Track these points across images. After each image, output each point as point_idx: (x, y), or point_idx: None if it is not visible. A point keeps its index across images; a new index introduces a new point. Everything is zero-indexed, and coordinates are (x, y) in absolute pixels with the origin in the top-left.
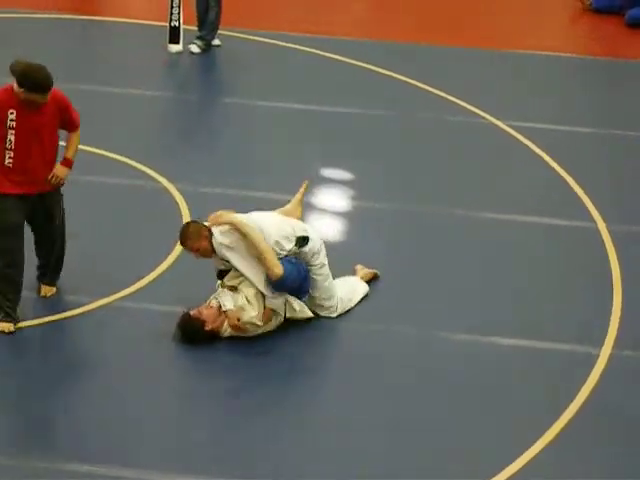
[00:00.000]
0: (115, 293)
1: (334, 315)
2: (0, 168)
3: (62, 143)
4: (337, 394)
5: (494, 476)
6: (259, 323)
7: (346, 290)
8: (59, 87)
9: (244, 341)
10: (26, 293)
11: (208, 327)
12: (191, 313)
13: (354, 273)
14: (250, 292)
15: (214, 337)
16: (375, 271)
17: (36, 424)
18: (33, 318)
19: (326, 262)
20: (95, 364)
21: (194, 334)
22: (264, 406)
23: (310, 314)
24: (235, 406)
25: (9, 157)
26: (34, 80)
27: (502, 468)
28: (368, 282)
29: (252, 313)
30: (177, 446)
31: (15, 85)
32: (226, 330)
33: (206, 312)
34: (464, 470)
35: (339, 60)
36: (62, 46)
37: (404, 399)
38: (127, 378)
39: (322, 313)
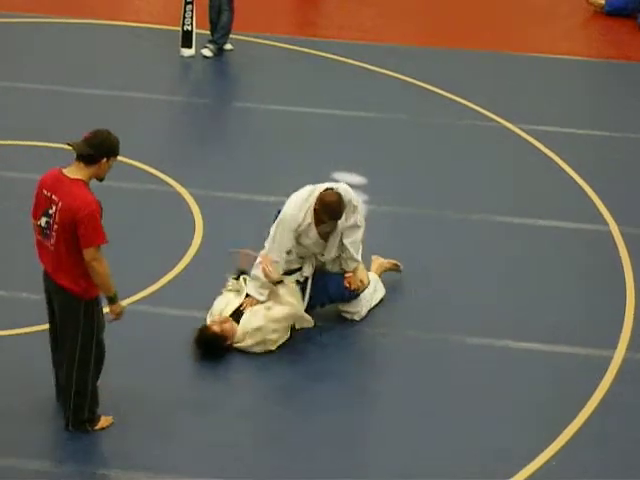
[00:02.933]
0: (128, 297)
1: (358, 318)
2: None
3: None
4: (352, 398)
5: (512, 476)
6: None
7: (368, 293)
8: (69, 90)
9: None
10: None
11: (229, 342)
12: (214, 329)
13: (370, 263)
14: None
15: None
16: (394, 261)
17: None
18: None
19: None
20: (109, 366)
21: (216, 350)
22: (284, 417)
23: (312, 322)
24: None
25: None
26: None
27: (519, 469)
28: (386, 272)
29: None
30: (197, 448)
31: (90, 170)
32: (241, 341)
33: (226, 326)
34: (481, 471)
35: (352, 64)
36: (75, 51)
37: (419, 401)
38: (142, 380)
39: (348, 316)
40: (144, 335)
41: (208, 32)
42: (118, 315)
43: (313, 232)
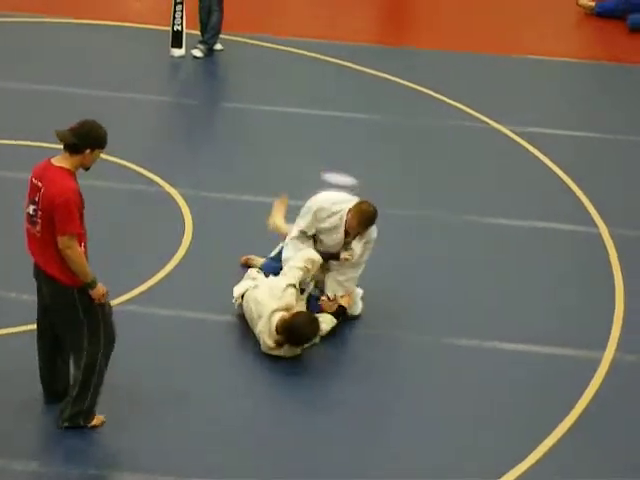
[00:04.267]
0: (118, 297)
1: (357, 313)
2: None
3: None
4: (352, 397)
5: (500, 477)
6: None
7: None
8: (60, 90)
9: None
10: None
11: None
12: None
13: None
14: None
15: None
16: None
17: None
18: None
19: None
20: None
21: (312, 336)
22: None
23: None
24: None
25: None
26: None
27: (508, 469)
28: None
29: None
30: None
31: (75, 159)
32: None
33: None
34: (469, 471)
35: (342, 65)
36: (65, 51)
37: (408, 402)
38: (133, 379)
39: (349, 311)
40: (134, 335)
41: (199, 32)
42: (100, 298)
43: (339, 235)
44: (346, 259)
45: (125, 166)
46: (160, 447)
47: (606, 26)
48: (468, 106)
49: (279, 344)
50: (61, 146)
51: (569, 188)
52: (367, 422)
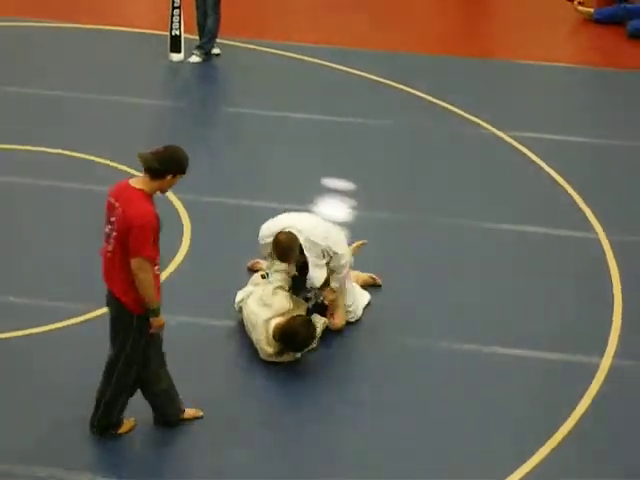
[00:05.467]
0: None
1: (354, 320)
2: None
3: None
4: (350, 401)
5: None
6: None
7: (357, 296)
8: (61, 95)
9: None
10: (25, 300)
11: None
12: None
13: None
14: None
15: None
16: (371, 275)
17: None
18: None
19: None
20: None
21: (310, 339)
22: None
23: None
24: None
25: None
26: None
27: (507, 474)
28: (366, 287)
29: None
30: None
31: (155, 183)
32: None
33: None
34: (467, 476)
35: (340, 70)
36: (63, 55)
37: (406, 407)
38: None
39: (347, 317)
40: None
41: (198, 37)
42: (157, 328)
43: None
44: (329, 298)
45: (123, 170)
46: (177, 452)
47: (605, 32)
48: (467, 112)
49: (279, 352)
50: (54, 150)
51: (567, 193)
52: (366, 425)
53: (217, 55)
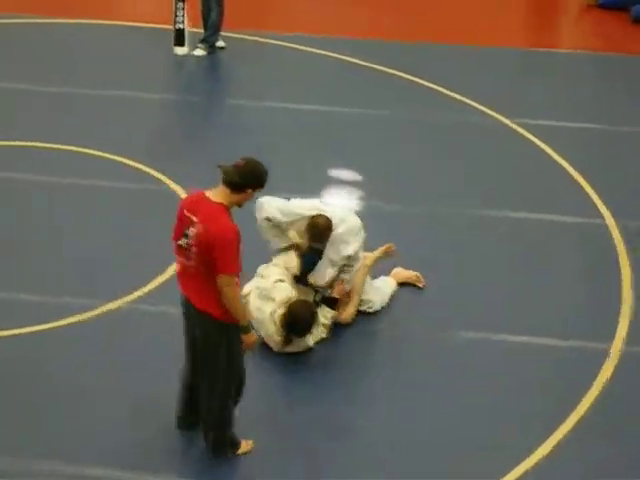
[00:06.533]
0: (128, 295)
1: (372, 310)
2: None
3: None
4: (350, 391)
5: (510, 471)
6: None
7: (380, 286)
8: (63, 90)
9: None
10: (37, 297)
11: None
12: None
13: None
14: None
15: None
16: (417, 273)
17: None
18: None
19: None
20: (116, 367)
21: (312, 319)
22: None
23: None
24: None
25: None
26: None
27: (518, 463)
28: (406, 283)
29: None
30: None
31: (234, 197)
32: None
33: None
34: (477, 465)
35: (346, 60)
36: (68, 50)
37: (416, 395)
38: (157, 381)
39: (361, 308)
40: (146, 332)
41: (202, 30)
42: (250, 345)
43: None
44: (340, 294)
45: (129, 165)
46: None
47: (609, 17)
48: (473, 99)
49: (287, 340)
50: (64, 146)
51: (575, 180)
52: (379, 416)
53: (222, 48)
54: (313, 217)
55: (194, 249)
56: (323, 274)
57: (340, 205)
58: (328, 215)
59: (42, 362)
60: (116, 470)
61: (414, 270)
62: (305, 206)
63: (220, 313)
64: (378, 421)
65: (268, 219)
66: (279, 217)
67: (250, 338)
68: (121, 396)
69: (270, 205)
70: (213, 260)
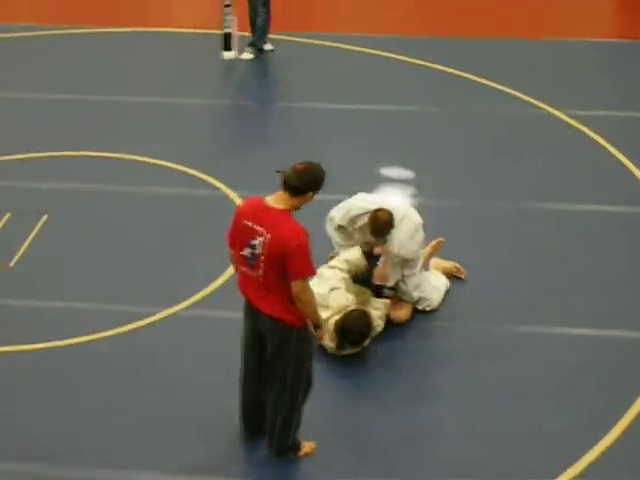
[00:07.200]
0: (183, 301)
1: (429, 309)
2: None
3: None
4: (409, 390)
5: (570, 465)
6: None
7: (438, 284)
8: (114, 99)
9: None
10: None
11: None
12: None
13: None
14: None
15: None
16: (455, 264)
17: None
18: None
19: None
20: (175, 374)
21: (367, 331)
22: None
23: None
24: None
25: None
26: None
27: (579, 457)
28: (447, 274)
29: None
30: None
31: (295, 201)
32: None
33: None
34: (537, 460)
35: (391, 58)
36: (119, 58)
37: (475, 392)
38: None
39: (420, 307)
40: (203, 338)
41: (250, 34)
42: (321, 338)
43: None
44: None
45: (182, 171)
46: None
47: None
48: (521, 92)
49: (340, 347)
50: (122, 155)
51: (629, 170)
52: (441, 412)
53: (270, 51)
54: (375, 211)
55: (263, 258)
56: (385, 272)
57: (402, 202)
58: (390, 210)
59: (102, 369)
60: (179, 476)
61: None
62: (369, 200)
63: (294, 319)
64: (447, 419)
65: (339, 226)
66: (342, 217)
67: (322, 331)
68: (186, 405)
69: (338, 213)
70: (286, 266)
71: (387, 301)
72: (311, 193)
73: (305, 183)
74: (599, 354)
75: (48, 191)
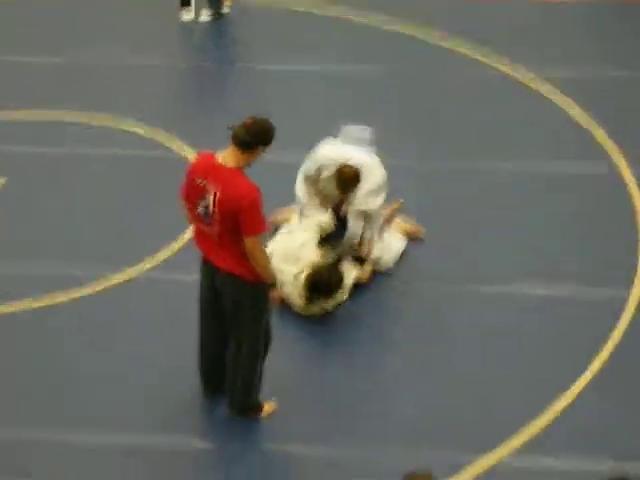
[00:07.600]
0: (142, 263)
1: (384, 269)
2: None
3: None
4: (369, 346)
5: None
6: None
7: (391, 243)
8: (67, 59)
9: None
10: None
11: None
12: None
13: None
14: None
15: None
16: (415, 224)
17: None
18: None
19: None
20: (130, 334)
21: (339, 281)
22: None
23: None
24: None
25: None
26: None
27: (540, 412)
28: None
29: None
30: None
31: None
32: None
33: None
34: (493, 421)
35: (353, 20)
36: (71, 19)
37: (435, 350)
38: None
39: (376, 267)
40: (155, 303)
41: None
42: (276, 300)
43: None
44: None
45: (140, 132)
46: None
47: None
48: (477, 53)
49: (309, 301)
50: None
51: (587, 128)
52: (389, 370)
53: (227, 14)
54: (340, 167)
55: (216, 215)
56: (356, 232)
57: (369, 155)
58: (356, 165)
59: (61, 332)
60: (141, 435)
61: (417, 223)
62: (338, 151)
63: (249, 274)
64: (403, 382)
65: (306, 177)
66: (311, 167)
67: (277, 293)
68: (148, 363)
69: (308, 163)
70: (239, 223)
71: (357, 271)
72: (261, 147)
73: (254, 137)
74: (556, 313)
75: (7, 154)
